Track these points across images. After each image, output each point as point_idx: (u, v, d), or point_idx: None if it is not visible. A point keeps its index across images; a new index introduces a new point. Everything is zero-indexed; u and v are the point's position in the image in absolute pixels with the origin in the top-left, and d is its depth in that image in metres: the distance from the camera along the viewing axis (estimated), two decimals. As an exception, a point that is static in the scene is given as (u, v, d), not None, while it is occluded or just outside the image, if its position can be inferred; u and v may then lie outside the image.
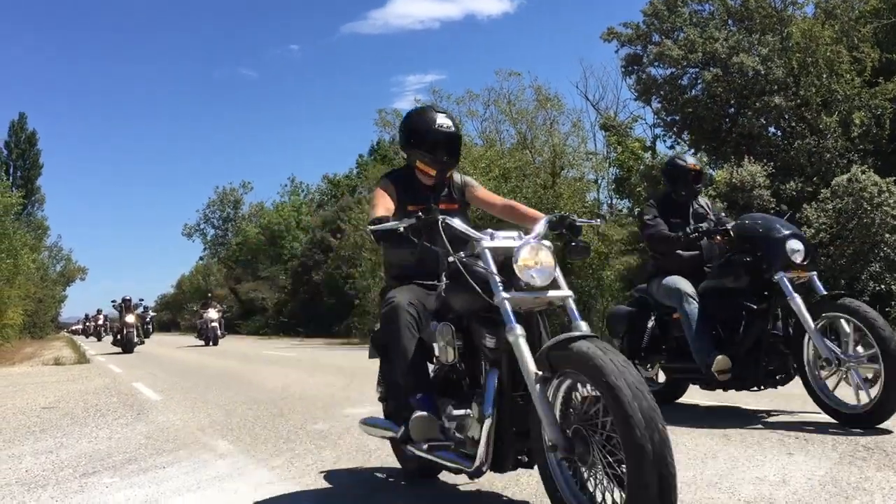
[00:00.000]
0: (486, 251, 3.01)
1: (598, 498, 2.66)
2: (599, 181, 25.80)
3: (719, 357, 5.39)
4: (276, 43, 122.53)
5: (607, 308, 21.51)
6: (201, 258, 71.21)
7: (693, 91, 16.54)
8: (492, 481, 3.99)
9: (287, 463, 4.63)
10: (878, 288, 13.34)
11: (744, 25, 16.38)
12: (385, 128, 30.88)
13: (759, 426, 5.52)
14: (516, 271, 2.90)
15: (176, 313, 69.62)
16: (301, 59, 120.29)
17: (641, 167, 17.77)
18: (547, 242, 3.07)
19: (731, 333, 5.53)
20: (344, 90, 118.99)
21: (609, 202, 26.35)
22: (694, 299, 5.49)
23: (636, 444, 2.29)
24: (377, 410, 6.82)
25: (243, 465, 4.64)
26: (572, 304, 3.01)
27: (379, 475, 4.22)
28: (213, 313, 24.39)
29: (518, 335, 2.79)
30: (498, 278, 2.92)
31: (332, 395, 8.31)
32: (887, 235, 13.21)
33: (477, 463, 2.99)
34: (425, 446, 3.29)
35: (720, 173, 14.98)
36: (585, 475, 2.70)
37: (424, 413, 3.23)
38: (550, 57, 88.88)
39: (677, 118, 17.08)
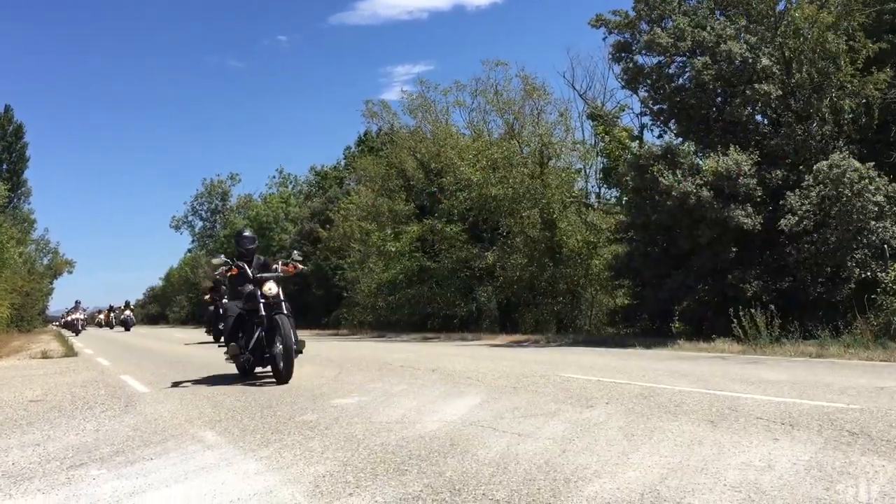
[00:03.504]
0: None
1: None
2: (587, 171, 25.89)
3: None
4: (265, 34, 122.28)
5: (595, 297, 21.63)
6: (189, 250, 71.00)
7: (681, 79, 16.53)
8: (479, 469, 4.00)
9: (275, 453, 4.63)
10: (863, 275, 13.40)
11: (733, 13, 16.37)
12: (372, 119, 30.92)
13: (745, 412, 5.56)
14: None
15: (165, 306, 69.40)
16: (289, 50, 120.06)
17: (629, 156, 17.75)
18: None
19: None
20: (332, 81, 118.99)
21: (597, 191, 26.42)
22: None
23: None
24: (367, 401, 6.84)
25: (231, 455, 4.63)
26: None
27: (367, 465, 4.22)
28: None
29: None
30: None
31: (319, 385, 8.31)
32: (873, 222, 13.26)
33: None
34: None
35: (707, 162, 14.98)
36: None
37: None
38: (538, 47, 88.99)
39: (664, 107, 17.06)
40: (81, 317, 38.65)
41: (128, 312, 42.26)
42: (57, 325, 57.22)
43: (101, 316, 57.75)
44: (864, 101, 15.00)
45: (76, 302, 38.97)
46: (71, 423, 6.20)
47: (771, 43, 15.43)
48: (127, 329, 39.91)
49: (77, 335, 33.99)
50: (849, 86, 14.96)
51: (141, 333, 35.05)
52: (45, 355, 16.01)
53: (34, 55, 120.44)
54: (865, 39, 15.18)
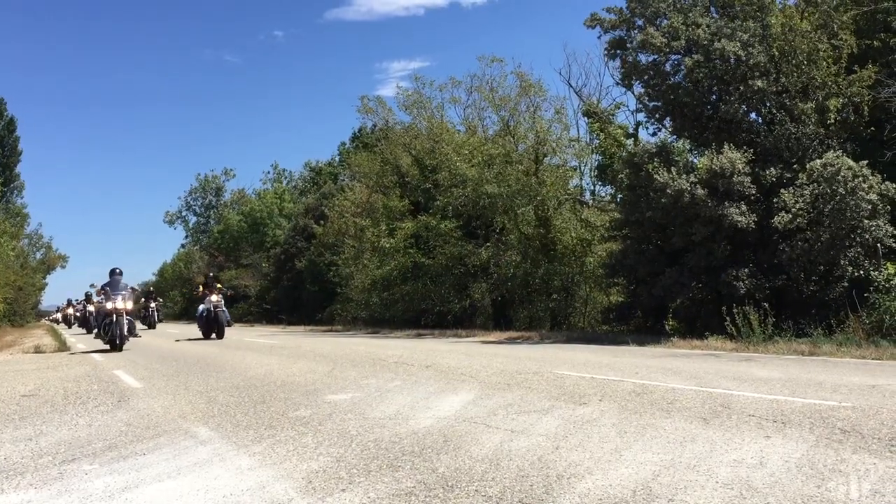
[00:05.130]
0: None
1: None
2: (582, 168, 25.90)
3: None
4: (261, 28, 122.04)
5: (590, 294, 21.66)
6: (183, 245, 70.98)
7: (676, 77, 16.53)
8: (472, 466, 4.00)
9: (268, 449, 4.63)
10: (856, 273, 13.45)
11: (726, 12, 16.39)
12: (368, 114, 30.82)
13: (738, 410, 5.57)
14: None
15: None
16: (285, 45, 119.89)
17: (623, 154, 17.80)
18: None
19: None
20: (328, 77, 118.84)
21: (591, 189, 26.44)
22: None
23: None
24: (360, 397, 6.84)
25: (224, 451, 4.62)
26: None
27: (360, 461, 4.23)
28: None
29: None
30: None
31: (313, 381, 8.31)
32: (866, 221, 13.31)
33: None
34: None
35: (702, 160, 15.04)
36: None
37: None
38: (535, 43, 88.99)
39: (660, 104, 17.05)
40: (129, 306, 15.62)
41: (215, 298, 20.13)
42: (50, 321, 56.31)
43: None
44: (851, 99, 15.04)
45: (113, 272, 16.05)
46: (63, 419, 6.19)
47: (762, 42, 15.46)
48: (215, 332, 20.33)
49: (118, 349, 15.01)
50: (833, 86, 15.00)
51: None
52: (37, 350, 15.98)
53: (27, 49, 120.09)
54: (850, 37, 15.20)
